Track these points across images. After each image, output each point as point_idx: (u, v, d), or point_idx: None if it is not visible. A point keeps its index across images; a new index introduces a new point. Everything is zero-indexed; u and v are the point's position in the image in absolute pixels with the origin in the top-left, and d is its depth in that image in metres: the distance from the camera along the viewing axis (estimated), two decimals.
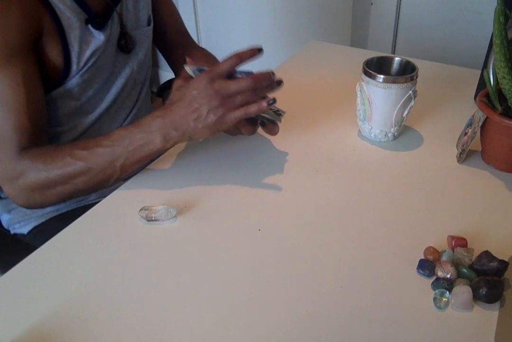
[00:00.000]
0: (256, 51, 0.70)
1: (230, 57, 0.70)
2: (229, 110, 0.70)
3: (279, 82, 0.73)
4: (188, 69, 0.76)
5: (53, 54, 0.78)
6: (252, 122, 0.78)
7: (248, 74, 0.71)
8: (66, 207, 0.92)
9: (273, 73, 0.71)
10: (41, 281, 0.62)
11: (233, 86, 0.69)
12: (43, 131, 0.79)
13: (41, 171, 0.73)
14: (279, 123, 0.78)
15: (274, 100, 0.71)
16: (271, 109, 0.77)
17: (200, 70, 0.75)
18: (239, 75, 0.72)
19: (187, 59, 0.78)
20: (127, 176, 0.80)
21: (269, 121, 0.78)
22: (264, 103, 0.70)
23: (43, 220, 0.92)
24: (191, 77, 0.76)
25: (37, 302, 0.59)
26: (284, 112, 0.79)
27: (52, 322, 0.56)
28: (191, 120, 0.70)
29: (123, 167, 0.73)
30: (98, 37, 0.82)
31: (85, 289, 0.61)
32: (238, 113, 0.70)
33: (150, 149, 0.72)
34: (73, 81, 0.82)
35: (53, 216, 0.92)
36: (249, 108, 0.70)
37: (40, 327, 0.56)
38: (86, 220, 0.71)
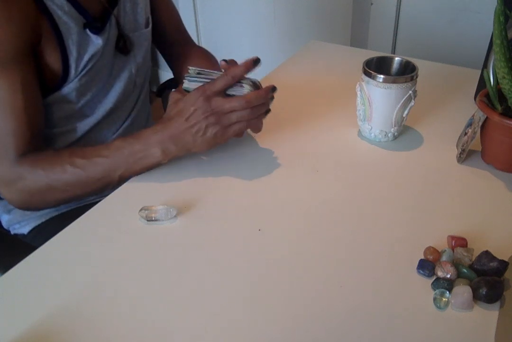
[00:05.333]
0: (250, 65, 0.72)
1: (224, 76, 0.72)
2: (225, 127, 0.73)
3: (272, 97, 0.75)
4: (186, 81, 0.76)
5: (51, 59, 0.78)
6: None
7: (240, 91, 0.73)
8: (66, 206, 0.92)
9: (273, 89, 0.74)
10: (41, 281, 0.62)
11: (227, 105, 0.71)
12: (40, 135, 0.79)
13: (41, 176, 0.74)
14: (279, 124, 0.78)
15: (269, 111, 0.75)
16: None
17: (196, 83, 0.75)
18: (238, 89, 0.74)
19: (184, 73, 0.77)
20: None
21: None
22: (262, 119, 0.76)
23: (43, 220, 0.92)
24: (187, 90, 0.76)
25: (37, 302, 0.59)
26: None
27: (52, 322, 0.56)
28: (190, 135, 0.72)
29: (122, 177, 0.75)
30: (96, 42, 0.82)
31: (85, 288, 0.61)
32: (237, 127, 0.74)
33: (149, 162, 0.74)
34: (71, 86, 0.82)
35: (53, 216, 0.92)
36: (250, 123, 0.74)
37: (40, 327, 0.56)
38: (86, 220, 0.71)
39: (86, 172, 0.73)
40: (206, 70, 0.75)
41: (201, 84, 0.74)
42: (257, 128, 0.78)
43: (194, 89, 0.73)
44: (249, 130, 0.79)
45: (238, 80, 0.73)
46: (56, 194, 0.76)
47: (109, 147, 0.74)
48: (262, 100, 0.73)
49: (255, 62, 0.73)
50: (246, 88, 0.73)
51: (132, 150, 0.73)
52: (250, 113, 0.72)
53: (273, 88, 0.74)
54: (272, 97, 0.75)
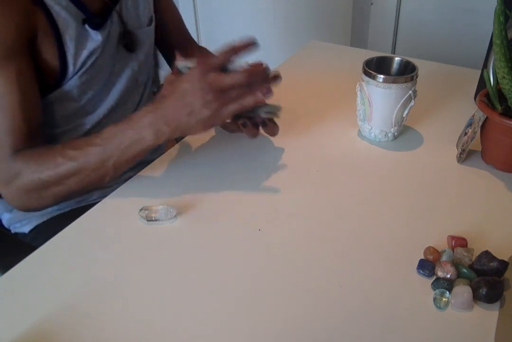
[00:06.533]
0: (251, 45, 0.69)
1: (225, 50, 0.68)
2: (223, 105, 0.67)
3: (276, 77, 0.72)
4: (179, 66, 0.73)
5: (49, 55, 0.77)
6: (255, 125, 0.78)
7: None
8: (68, 206, 0.92)
9: (267, 68, 0.70)
10: (41, 281, 0.62)
11: (227, 79, 0.66)
12: (39, 133, 0.78)
13: (34, 172, 0.72)
14: (279, 124, 0.78)
15: (270, 91, 0.70)
16: (267, 106, 0.77)
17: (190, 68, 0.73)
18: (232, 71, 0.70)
19: (177, 56, 0.75)
20: (127, 175, 0.80)
21: (267, 114, 0.77)
22: (259, 94, 0.68)
23: (45, 219, 0.92)
24: (182, 73, 0.73)
25: (37, 302, 0.59)
26: (279, 107, 0.78)
27: (52, 322, 0.56)
28: (184, 115, 0.67)
29: (116, 166, 0.71)
30: (95, 38, 0.81)
31: (85, 288, 0.61)
32: (233, 107, 0.68)
33: (141, 147, 0.70)
34: (71, 83, 0.82)
35: (54, 215, 0.92)
36: (245, 100, 0.68)
37: (40, 327, 0.56)
38: (86, 220, 0.71)
39: (79, 163, 0.71)
40: None
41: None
42: (273, 132, 0.79)
43: (192, 67, 0.69)
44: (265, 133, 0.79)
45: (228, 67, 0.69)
46: (51, 188, 0.74)
47: (101, 135, 0.71)
48: (262, 74, 0.69)
49: (254, 43, 0.70)
50: (238, 63, 0.69)
51: (123, 136, 0.69)
52: (248, 89, 0.68)
53: (267, 67, 0.70)
54: (278, 77, 0.72)
